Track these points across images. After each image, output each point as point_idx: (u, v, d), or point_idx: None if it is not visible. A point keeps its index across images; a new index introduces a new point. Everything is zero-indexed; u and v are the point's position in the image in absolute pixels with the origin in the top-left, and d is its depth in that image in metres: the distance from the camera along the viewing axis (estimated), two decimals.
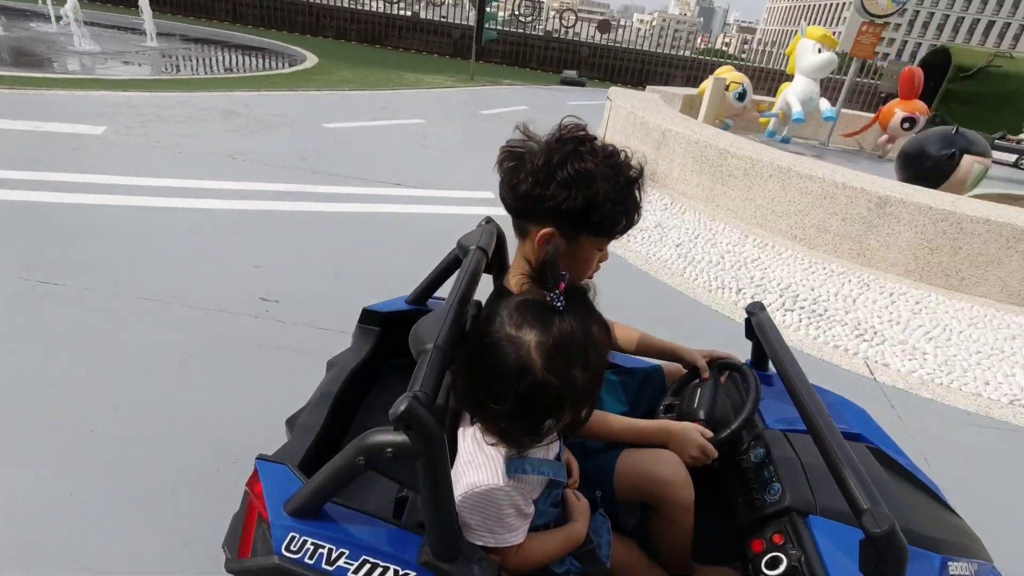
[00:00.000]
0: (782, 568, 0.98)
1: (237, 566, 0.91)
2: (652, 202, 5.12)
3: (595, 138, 1.04)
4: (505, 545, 0.91)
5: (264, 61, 11.04)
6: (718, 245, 4.37)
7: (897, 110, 9.09)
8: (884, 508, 0.81)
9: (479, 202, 4.67)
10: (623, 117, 6.45)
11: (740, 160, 4.91)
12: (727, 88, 8.06)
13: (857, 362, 3.09)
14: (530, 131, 1.06)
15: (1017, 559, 1.75)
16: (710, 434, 1.24)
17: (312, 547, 0.86)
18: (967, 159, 5.18)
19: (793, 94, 8.51)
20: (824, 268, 4.28)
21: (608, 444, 1.30)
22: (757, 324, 1.28)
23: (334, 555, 0.85)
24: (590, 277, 1.12)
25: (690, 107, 8.73)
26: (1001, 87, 13.39)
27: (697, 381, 1.40)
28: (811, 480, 1.11)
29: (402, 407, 0.72)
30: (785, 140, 9.19)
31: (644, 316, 3.15)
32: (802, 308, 3.56)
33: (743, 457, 1.22)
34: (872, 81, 16.22)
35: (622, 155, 1.04)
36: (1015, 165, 8.81)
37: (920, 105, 9.20)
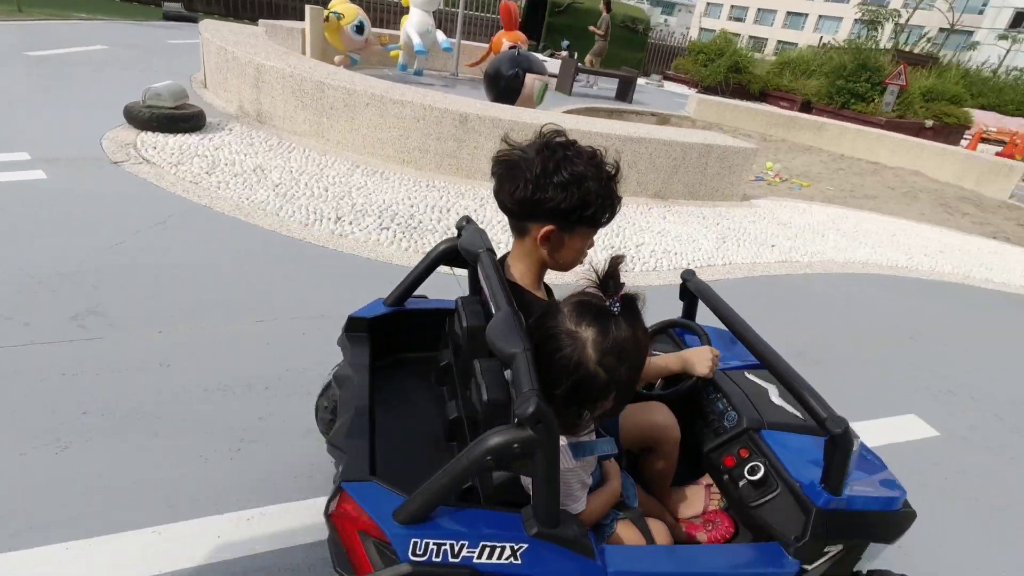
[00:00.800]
0: (760, 474, 1.28)
1: None
2: (255, 144, 4.68)
3: (575, 142, 1.18)
4: (573, 513, 1.08)
5: None
6: (324, 179, 4.26)
7: (504, 40, 10.29)
8: (837, 413, 1.07)
9: None
10: (215, 53, 5.68)
11: (337, 91, 4.82)
12: (326, 20, 7.80)
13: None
14: (511, 140, 1.21)
15: None
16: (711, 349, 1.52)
17: (435, 547, 0.93)
18: (529, 77, 6.16)
19: (412, 27, 8.76)
20: (427, 185, 4.61)
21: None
22: (695, 287, 1.59)
23: (456, 548, 0.94)
24: (581, 263, 1.26)
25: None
26: (582, 21, 16.51)
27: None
28: (755, 404, 1.43)
29: (531, 408, 0.82)
30: (418, 73, 9.56)
31: (231, 264, 2.86)
32: (398, 225, 3.74)
33: (700, 396, 1.52)
34: (494, 16, 18.06)
35: (599, 155, 1.18)
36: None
37: (520, 35, 10.58)
